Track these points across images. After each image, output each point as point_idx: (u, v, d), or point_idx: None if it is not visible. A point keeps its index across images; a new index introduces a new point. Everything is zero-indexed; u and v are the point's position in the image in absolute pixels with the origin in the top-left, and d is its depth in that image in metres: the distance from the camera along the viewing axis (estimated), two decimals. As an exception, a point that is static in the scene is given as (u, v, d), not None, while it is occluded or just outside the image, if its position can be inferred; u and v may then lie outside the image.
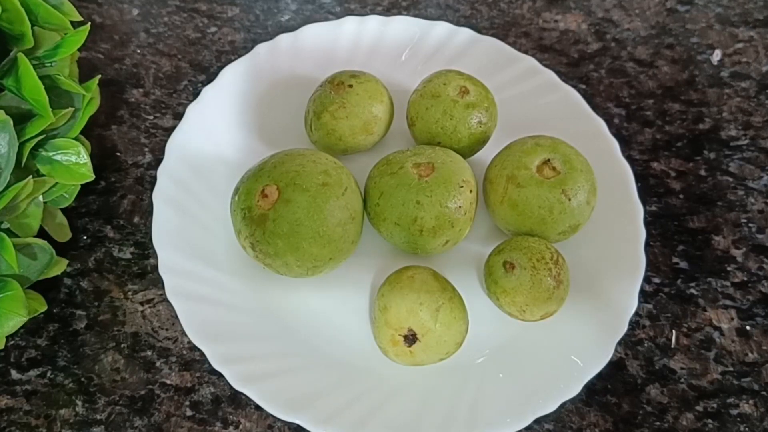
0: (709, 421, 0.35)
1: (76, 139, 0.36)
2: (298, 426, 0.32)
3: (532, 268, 0.34)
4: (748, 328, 0.38)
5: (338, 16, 0.48)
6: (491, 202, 0.37)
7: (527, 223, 0.36)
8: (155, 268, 0.38)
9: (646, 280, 0.38)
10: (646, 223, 0.38)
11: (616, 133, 0.43)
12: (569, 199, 0.35)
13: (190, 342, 0.35)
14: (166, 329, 0.37)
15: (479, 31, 0.46)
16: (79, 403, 0.35)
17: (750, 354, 0.37)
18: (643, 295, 0.38)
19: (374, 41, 0.45)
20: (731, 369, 0.36)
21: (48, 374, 0.35)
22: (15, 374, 0.35)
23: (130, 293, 0.38)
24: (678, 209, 0.42)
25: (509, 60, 0.44)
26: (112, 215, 0.41)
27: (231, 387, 0.33)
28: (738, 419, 0.35)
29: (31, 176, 0.33)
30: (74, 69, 0.38)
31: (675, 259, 0.40)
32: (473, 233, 0.38)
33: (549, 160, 0.36)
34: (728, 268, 0.40)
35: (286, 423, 0.34)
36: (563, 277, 0.34)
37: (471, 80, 0.39)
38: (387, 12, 0.50)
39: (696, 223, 0.41)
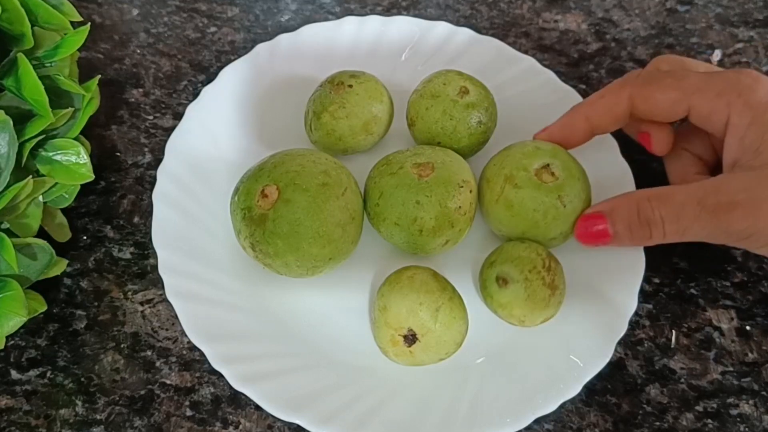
0: (709, 421, 0.35)
1: (76, 139, 0.36)
2: (298, 426, 0.32)
3: (524, 280, 0.34)
4: (748, 328, 0.38)
5: (338, 16, 0.48)
6: (486, 200, 0.37)
7: (520, 225, 0.36)
8: (155, 268, 0.38)
9: (646, 280, 0.38)
10: (646, 223, 0.38)
11: (616, 132, 0.43)
12: (564, 206, 0.35)
13: (190, 342, 0.35)
14: (166, 329, 0.37)
15: (479, 31, 0.46)
16: (79, 403, 0.35)
17: (750, 354, 0.37)
18: (643, 295, 0.38)
19: (374, 41, 0.45)
20: (731, 369, 0.36)
21: (48, 374, 0.35)
22: (15, 374, 0.35)
23: (130, 293, 0.38)
24: (678, 209, 0.42)
25: (509, 60, 0.44)
26: (112, 215, 0.41)
27: (231, 387, 0.33)
28: (738, 419, 0.35)
29: (31, 176, 0.33)
30: (74, 69, 0.38)
31: (675, 259, 0.40)
32: (473, 233, 0.38)
33: (549, 165, 0.36)
34: (728, 268, 0.40)
35: (286, 423, 0.34)
36: (558, 282, 0.34)
37: (471, 80, 0.39)
38: (387, 12, 0.50)
39: (696, 223, 0.41)
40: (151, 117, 0.45)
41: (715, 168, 0.38)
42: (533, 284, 0.33)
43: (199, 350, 0.34)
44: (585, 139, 0.38)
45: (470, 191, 0.36)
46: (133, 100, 0.45)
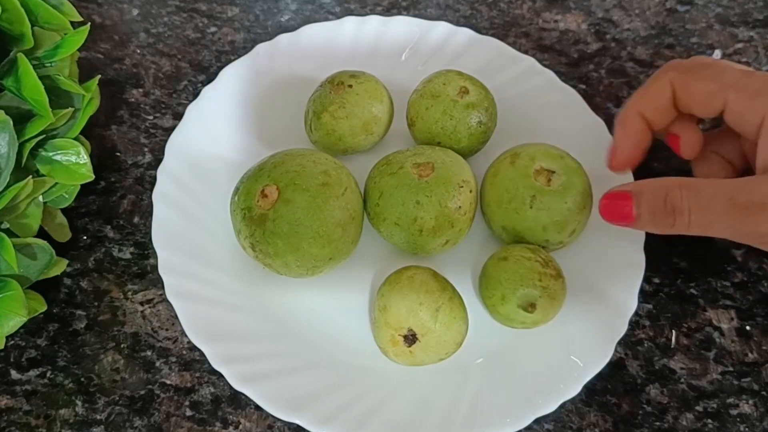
0: (709, 421, 0.35)
1: (76, 139, 0.36)
2: (298, 426, 0.32)
3: (543, 289, 0.33)
4: (748, 328, 0.38)
5: (338, 16, 0.48)
6: (490, 167, 0.38)
7: (492, 195, 0.37)
8: (155, 268, 0.38)
9: (646, 280, 0.38)
10: (646, 223, 0.38)
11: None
12: (530, 207, 0.35)
13: (189, 342, 0.35)
14: (166, 329, 0.37)
15: (479, 31, 0.46)
16: (79, 403, 0.35)
17: (750, 354, 0.37)
18: (643, 295, 0.38)
19: (374, 41, 0.45)
20: (731, 369, 0.36)
21: (48, 374, 0.35)
22: (15, 374, 0.35)
23: (130, 293, 0.38)
24: (678, 209, 0.42)
25: (509, 60, 0.44)
26: (112, 215, 0.41)
27: (231, 387, 0.33)
28: (738, 419, 0.35)
29: (31, 176, 0.33)
30: (74, 69, 0.38)
31: (675, 259, 0.40)
32: (473, 233, 0.38)
33: (554, 172, 0.36)
34: (728, 268, 0.40)
35: (286, 423, 0.34)
36: (554, 264, 0.34)
37: (471, 80, 0.39)
38: (387, 12, 0.50)
39: (696, 223, 0.41)
40: (151, 117, 0.45)
41: (743, 174, 0.38)
42: (550, 287, 0.34)
43: (199, 350, 0.34)
44: (647, 139, 0.37)
45: (470, 191, 0.36)
46: (133, 100, 0.45)
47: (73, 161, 0.35)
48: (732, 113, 0.34)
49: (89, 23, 0.36)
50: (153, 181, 0.38)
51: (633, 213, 0.33)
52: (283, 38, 0.44)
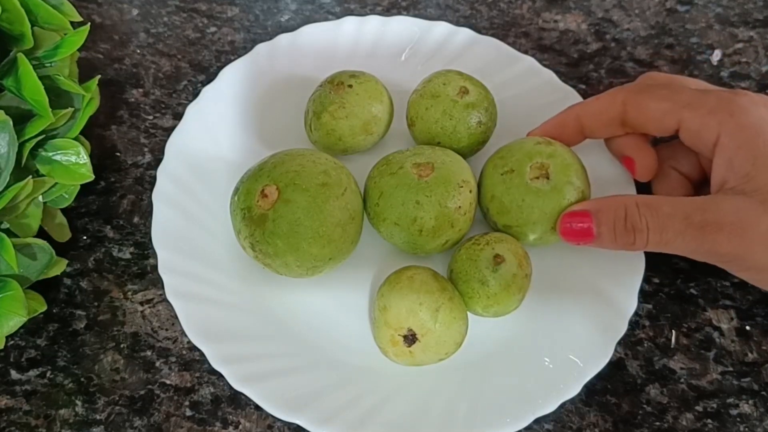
0: (709, 421, 0.35)
1: (75, 139, 0.36)
2: (298, 426, 0.32)
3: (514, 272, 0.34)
4: (748, 328, 0.38)
5: (338, 16, 0.48)
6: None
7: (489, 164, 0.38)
8: (155, 268, 0.38)
9: (646, 280, 0.38)
10: (646, 223, 0.38)
11: (616, 133, 0.43)
12: (500, 174, 0.36)
13: (189, 342, 0.35)
14: (166, 329, 0.37)
15: (479, 31, 0.46)
16: (79, 403, 0.35)
17: (750, 354, 0.37)
18: (643, 295, 0.38)
19: (374, 41, 0.45)
20: (731, 369, 0.36)
21: (48, 374, 0.35)
22: (15, 374, 0.35)
23: (129, 293, 0.38)
24: (678, 209, 0.42)
25: (509, 60, 0.44)
26: (111, 215, 0.41)
27: (231, 387, 0.33)
28: (738, 419, 0.35)
29: (30, 176, 0.33)
30: (74, 69, 0.38)
31: (675, 259, 0.40)
32: (473, 233, 0.38)
33: (548, 171, 0.35)
34: (728, 268, 0.40)
35: (286, 423, 0.34)
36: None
37: (471, 80, 0.39)
38: (387, 12, 0.50)
39: (696, 223, 0.41)
40: (151, 117, 0.45)
41: (700, 187, 0.38)
42: (515, 276, 0.34)
43: (199, 350, 0.34)
44: (575, 140, 0.38)
45: (470, 191, 0.36)
46: (133, 100, 0.45)
47: (73, 161, 0.35)
48: (687, 132, 0.34)
49: (89, 23, 0.36)
50: (153, 181, 0.38)
51: (593, 231, 0.33)
52: (283, 38, 0.44)
